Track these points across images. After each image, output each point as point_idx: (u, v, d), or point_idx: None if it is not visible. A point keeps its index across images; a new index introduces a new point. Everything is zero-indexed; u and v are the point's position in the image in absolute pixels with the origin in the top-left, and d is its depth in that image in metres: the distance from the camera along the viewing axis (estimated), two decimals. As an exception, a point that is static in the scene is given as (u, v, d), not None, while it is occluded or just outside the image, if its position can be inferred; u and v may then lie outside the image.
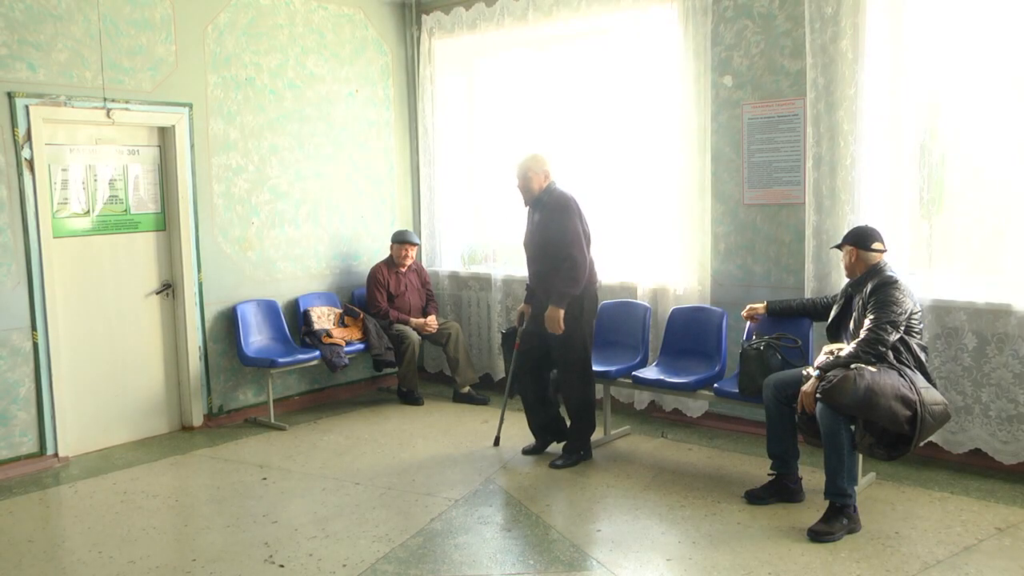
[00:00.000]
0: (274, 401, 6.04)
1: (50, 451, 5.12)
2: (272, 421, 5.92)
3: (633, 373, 5.09)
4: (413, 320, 6.43)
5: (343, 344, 6.12)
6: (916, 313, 3.98)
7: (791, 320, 4.64)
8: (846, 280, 4.30)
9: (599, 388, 5.46)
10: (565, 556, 3.73)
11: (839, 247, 4.28)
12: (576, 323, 4.79)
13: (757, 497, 4.22)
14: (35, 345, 5.05)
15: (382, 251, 6.77)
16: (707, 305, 5.39)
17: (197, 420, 5.83)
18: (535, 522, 4.10)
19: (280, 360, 5.79)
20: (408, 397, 6.44)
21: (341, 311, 6.46)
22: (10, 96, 4.87)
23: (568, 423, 5.01)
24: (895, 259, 4.48)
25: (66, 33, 5.08)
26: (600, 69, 6.23)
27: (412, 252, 6.56)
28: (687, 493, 4.39)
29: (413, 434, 5.65)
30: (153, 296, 5.70)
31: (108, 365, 5.47)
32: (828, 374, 3.83)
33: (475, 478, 4.72)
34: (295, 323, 6.30)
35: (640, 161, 5.88)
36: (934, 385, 3.97)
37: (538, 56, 6.58)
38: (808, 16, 4.90)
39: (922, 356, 3.99)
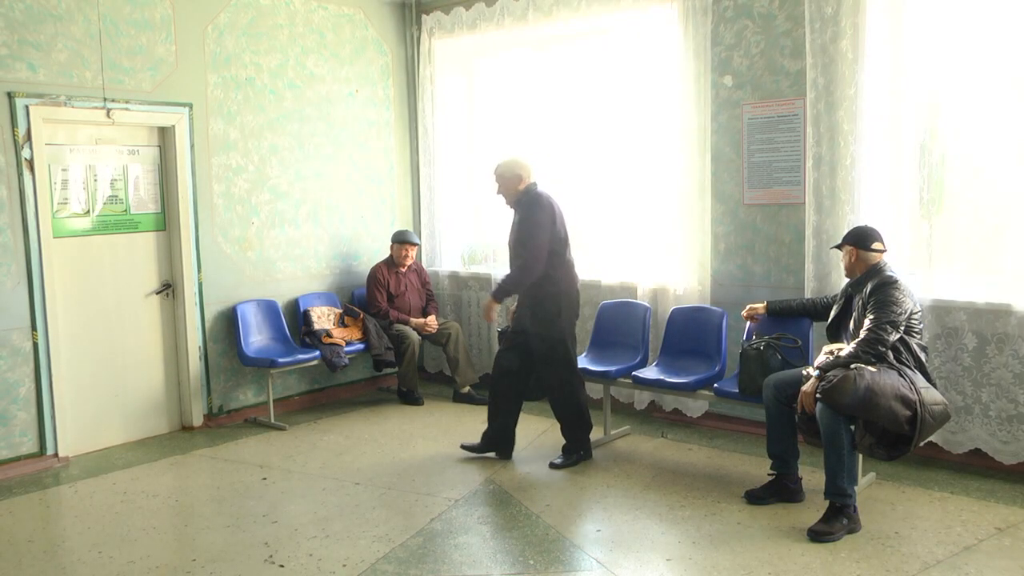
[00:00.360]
0: (274, 401, 6.04)
1: (50, 451, 5.12)
2: (272, 421, 5.92)
3: (633, 373, 5.09)
4: (413, 320, 6.44)
5: (343, 344, 6.12)
6: (916, 313, 3.98)
7: (791, 320, 4.64)
8: (846, 280, 4.30)
9: (599, 388, 5.47)
10: (565, 556, 3.73)
11: (839, 247, 4.28)
12: (554, 324, 4.77)
13: (757, 497, 4.22)
14: (35, 345, 5.05)
15: (382, 251, 6.78)
16: (707, 305, 5.39)
17: (197, 420, 5.83)
18: (535, 522, 4.10)
19: (280, 360, 5.79)
20: (408, 397, 6.44)
21: (341, 311, 6.46)
22: (10, 96, 4.87)
23: (560, 427, 5.00)
24: (895, 259, 4.48)
25: (66, 33, 5.08)
26: (600, 69, 6.23)
27: (412, 252, 6.57)
28: (687, 493, 4.39)
29: (413, 434, 5.65)
30: (153, 296, 5.70)
31: (108, 365, 5.47)
32: (828, 374, 3.83)
33: (475, 478, 4.72)
34: (295, 323, 6.30)
35: (640, 161, 5.88)
36: (934, 385, 3.96)
37: (538, 56, 6.58)
38: (808, 16, 4.90)
39: (922, 356, 3.99)
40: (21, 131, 4.92)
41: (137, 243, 5.60)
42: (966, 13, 4.64)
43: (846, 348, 3.96)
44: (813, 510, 4.00)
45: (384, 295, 6.47)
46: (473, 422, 5.84)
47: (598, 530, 4.01)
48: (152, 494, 4.62)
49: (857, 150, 4.81)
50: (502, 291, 4.82)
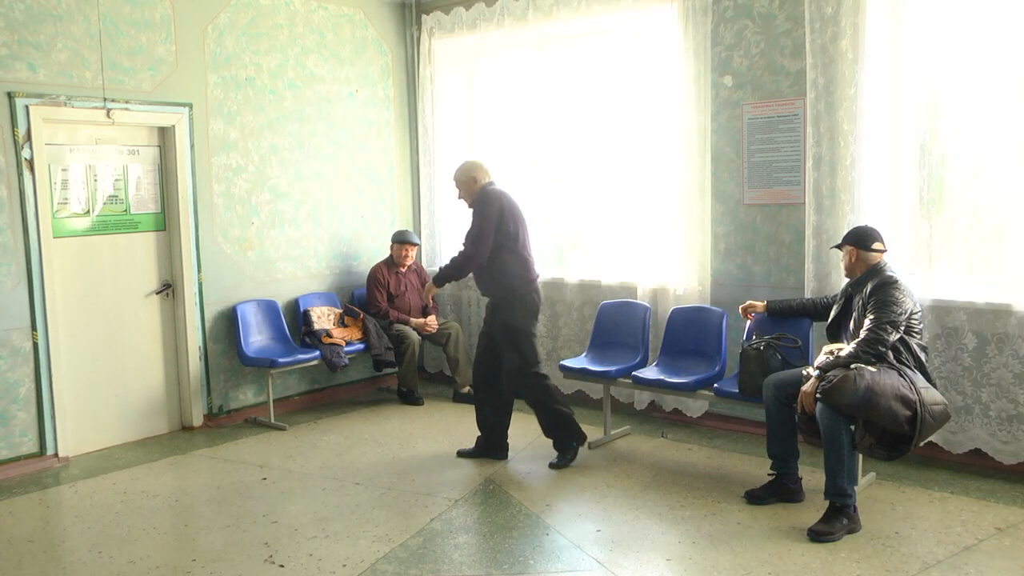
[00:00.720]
0: (274, 401, 6.04)
1: (50, 451, 5.12)
2: (272, 421, 5.92)
3: (633, 373, 5.09)
4: (413, 320, 6.44)
5: (343, 344, 6.12)
6: (916, 313, 3.98)
7: (791, 320, 4.65)
8: (846, 280, 4.30)
9: (599, 388, 5.47)
10: (565, 556, 3.73)
11: (839, 247, 4.28)
12: (509, 314, 4.79)
13: (757, 497, 4.22)
14: (35, 345, 5.05)
15: (382, 251, 6.78)
16: (707, 305, 5.39)
17: (197, 420, 5.83)
18: (535, 522, 4.10)
19: (280, 360, 5.79)
20: (408, 397, 6.44)
21: (341, 311, 6.46)
22: (10, 96, 4.87)
23: (541, 429, 5.00)
24: (895, 259, 4.47)
25: (66, 33, 5.08)
26: (600, 69, 6.23)
27: (412, 252, 6.57)
28: (687, 493, 4.39)
29: (413, 434, 5.65)
30: (153, 296, 5.70)
31: (108, 365, 5.47)
32: (828, 374, 3.83)
33: (475, 478, 4.72)
34: (295, 323, 6.30)
35: (640, 161, 5.87)
36: (934, 385, 3.97)
37: (538, 56, 6.57)
38: (808, 16, 4.90)
39: (922, 356, 3.99)
40: (21, 131, 4.92)
41: (137, 243, 5.60)
42: (966, 13, 4.64)
43: (846, 348, 3.96)
44: (813, 510, 4.00)
45: (384, 295, 6.47)
46: (473, 422, 5.81)
47: (598, 530, 4.01)
48: (152, 494, 4.62)
49: (857, 150, 4.81)
50: (441, 277, 4.96)
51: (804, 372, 4.04)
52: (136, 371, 5.62)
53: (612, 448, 5.23)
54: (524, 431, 5.30)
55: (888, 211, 4.82)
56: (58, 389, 5.15)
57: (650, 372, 5.09)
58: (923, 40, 4.74)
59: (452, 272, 4.89)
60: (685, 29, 5.42)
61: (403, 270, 6.56)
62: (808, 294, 5.01)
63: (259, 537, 3.99)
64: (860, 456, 4.03)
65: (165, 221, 5.72)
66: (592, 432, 5.38)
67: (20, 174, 4.94)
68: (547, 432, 4.96)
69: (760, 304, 4.73)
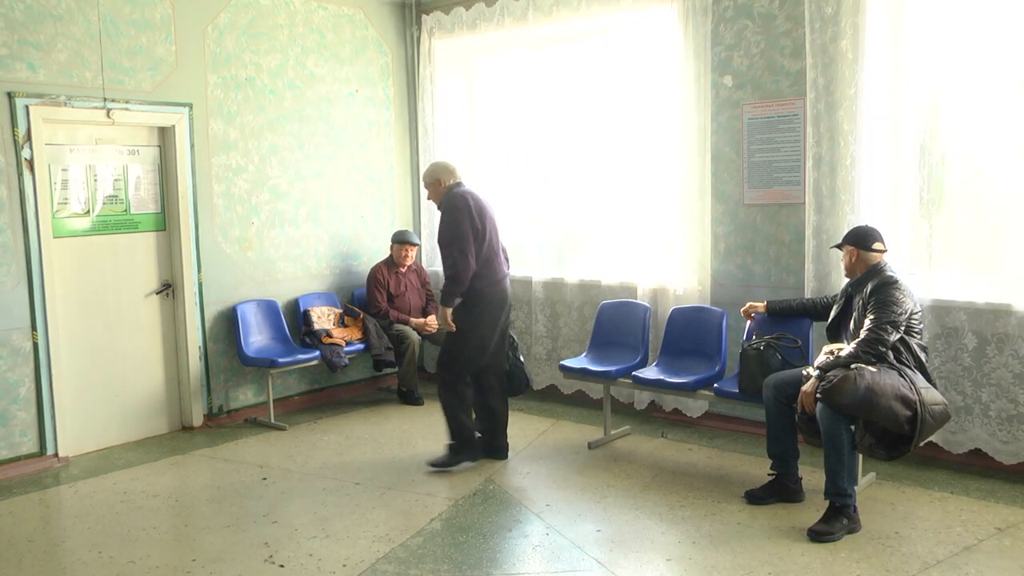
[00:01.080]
0: (274, 401, 6.04)
1: (50, 451, 5.12)
2: (272, 421, 5.92)
3: (633, 373, 5.09)
4: (413, 320, 6.44)
5: (343, 344, 6.12)
6: (916, 313, 3.98)
7: (791, 320, 4.65)
8: (846, 280, 4.30)
9: (599, 388, 5.47)
10: (565, 556, 3.73)
11: (839, 247, 4.28)
12: (470, 312, 4.79)
13: (757, 497, 4.22)
14: (35, 345, 5.05)
15: (382, 251, 6.78)
16: (707, 305, 5.39)
17: (197, 420, 5.83)
18: (535, 522, 4.10)
19: (280, 360, 5.79)
20: (408, 397, 6.44)
21: (341, 311, 6.46)
22: (10, 96, 4.87)
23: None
24: (895, 259, 4.48)
25: (66, 33, 5.08)
26: (600, 69, 6.23)
27: (412, 252, 6.57)
28: (687, 493, 4.39)
29: (413, 434, 5.65)
30: (153, 296, 5.70)
31: (108, 365, 5.47)
32: (828, 374, 3.83)
33: (475, 478, 4.72)
34: (295, 323, 6.30)
35: (640, 161, 5.88)
36: (934, 385, 3.97)
37: (538, 56, 6.58)
38: (808, 16, 4.90)
39: (922, 356, 3.99)
40: (21, 131, 4.92)
41: (137, 243, 5.60)
42: (966, 13, 4.64)
43: (846, 348, 3.96)
44: (813, 510, 4.00)
45: (384, 295, 6.47)
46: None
47: (598, 530, 4.00)
48: (152, 494, 4.62)
49: (857, 150, 4.81)
50: (447, 296, 4.79)
51: (804, 372, 4.04)
52: (136, 371, 5.62)
53: (612, 448, 5.23)
54: (524, 431, 5.30)
55: (888, 211, 4.82)
56: (58, 389, 5.14)
57: (650, 372, 5.09)
58: (923, 40, 4.75)
59: (453, 288, 4.78)
60: (685, 29, 5.42)
61: (403, 270, 6.56)
62: (808, 294, 5.01)
63: (259, 537, 3.99)
64: (860, 456, 4.03)
65: (165, 221, 5.72)
66: (592, 432, 5.39)
67: (20, 174, 4.94)
68: (448, 434, 4.96)
69: (761, 305, 4.73)
